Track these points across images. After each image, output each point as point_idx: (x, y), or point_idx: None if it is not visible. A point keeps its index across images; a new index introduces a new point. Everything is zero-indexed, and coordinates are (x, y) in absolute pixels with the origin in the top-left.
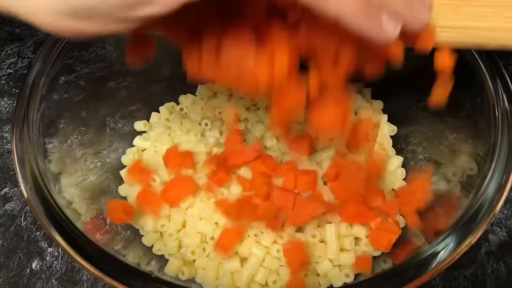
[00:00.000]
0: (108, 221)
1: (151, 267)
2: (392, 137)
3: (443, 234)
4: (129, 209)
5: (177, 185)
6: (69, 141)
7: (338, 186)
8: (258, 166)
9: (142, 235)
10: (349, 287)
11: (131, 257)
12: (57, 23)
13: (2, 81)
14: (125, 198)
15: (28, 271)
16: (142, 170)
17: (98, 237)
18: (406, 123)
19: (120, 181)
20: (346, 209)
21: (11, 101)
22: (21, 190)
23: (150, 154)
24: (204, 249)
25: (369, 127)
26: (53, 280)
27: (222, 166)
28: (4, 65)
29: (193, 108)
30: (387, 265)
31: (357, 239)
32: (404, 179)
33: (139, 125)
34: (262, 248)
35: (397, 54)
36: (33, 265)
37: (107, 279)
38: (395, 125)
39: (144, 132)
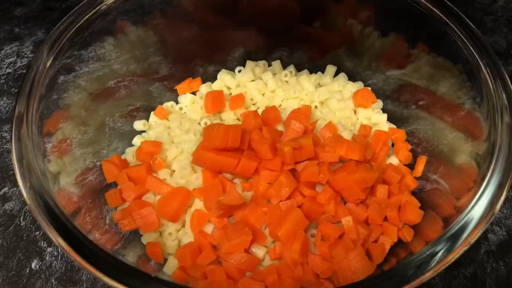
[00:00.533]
0: (107, 221)
1: (150, 267)
2: None
3: (442, 234)
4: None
5: (170, 199)
6: (68, 141)
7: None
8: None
9: (141, 235)
10: (349, 287)
11: (130, 257)
12: None
13: (1, 81)
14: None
15: (27, 271)
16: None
17: (97, 237)
18: (406, 123)
19: None
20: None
21: (10, 101)
22: (20, 190)
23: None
24: None
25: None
26: (53, 280)
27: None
28: (3, 64)
29: (193, 108)
30: (387, 265)
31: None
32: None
33: (138, 125)
34: (262, 248)
35: None
36: (33, 265)
37: (107, 279)
38: (395, 124)
39: (144, 131)
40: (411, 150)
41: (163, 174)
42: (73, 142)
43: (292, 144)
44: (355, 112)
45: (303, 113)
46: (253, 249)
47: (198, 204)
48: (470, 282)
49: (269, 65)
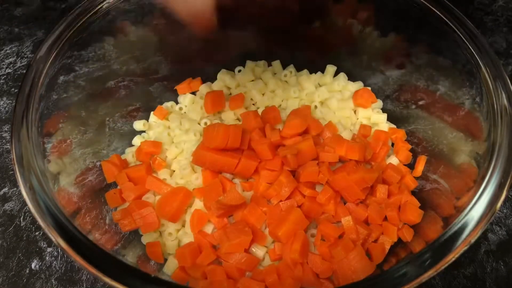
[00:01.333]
0: (107, 221)
1: (150, 267)
2: None
3: (442, 234)
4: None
5: (170, 199)
6: (68, 141)
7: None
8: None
9: (141, 235)
10: (349, 287)
11: (130, 257)
12: None
13: (1, 81)
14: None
15: (27, 271)
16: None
17: (97, 237)
18: (406, 123)
19: None
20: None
21: (10, 101)
22: (20, 190)
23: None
24: None
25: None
26: (53, 280)
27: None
28: (3, 64)
29: (193, 108)
30: (387, 265)
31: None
32: None
33: (138, 125)
34: (262, 248)
35: None
36: (33, 265)
37: (107, 279)
38: (395, 124)
39: (144, 131)
40: (411, 150)
41: (163, 174)
42: (73, 142)
43: (292, 151)
44: (355, 112)
45: (303, 113)
46: (253, 249)
47: (198, 204)
48: (470, 282)
49: (269, 65)
